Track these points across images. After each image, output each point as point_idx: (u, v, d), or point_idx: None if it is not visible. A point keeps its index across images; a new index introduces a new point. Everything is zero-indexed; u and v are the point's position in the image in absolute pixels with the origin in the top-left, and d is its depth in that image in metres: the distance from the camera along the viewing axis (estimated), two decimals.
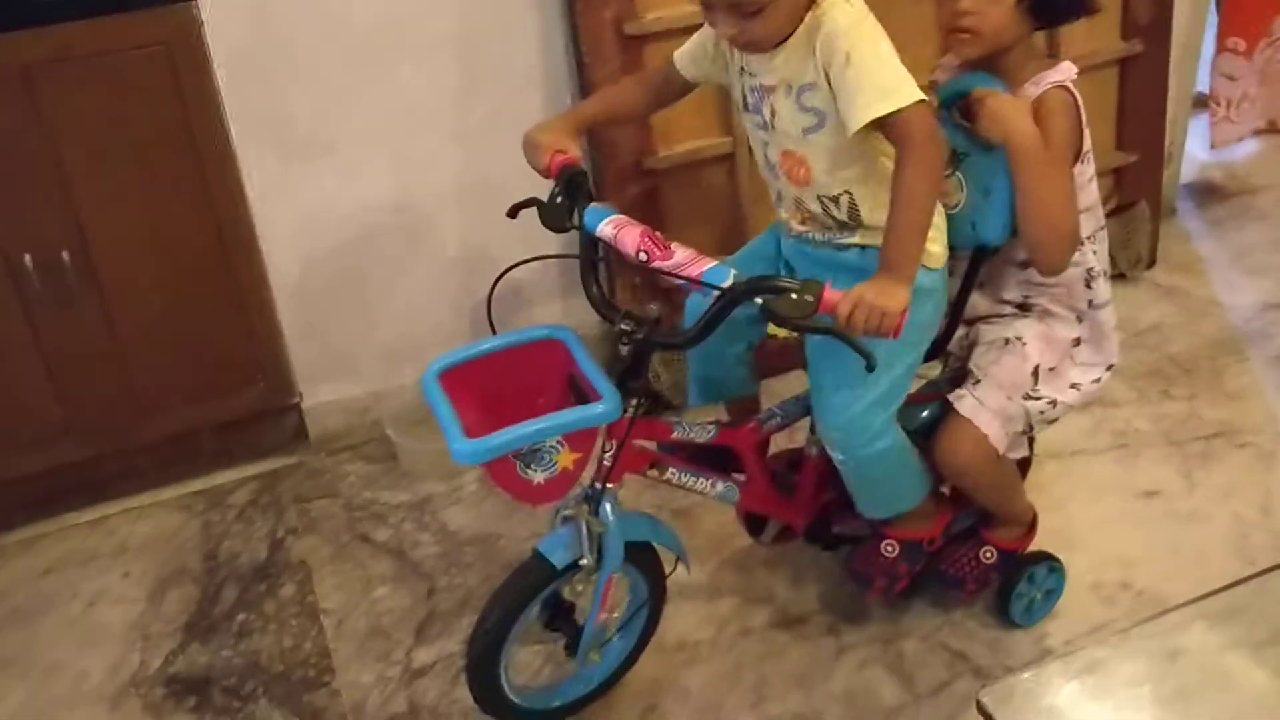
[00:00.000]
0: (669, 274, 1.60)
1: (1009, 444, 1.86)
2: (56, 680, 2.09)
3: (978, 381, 1.84)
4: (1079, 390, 1.88)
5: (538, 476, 1.65)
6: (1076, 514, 2.28)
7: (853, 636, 2.06)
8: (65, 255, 2.23)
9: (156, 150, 2.24)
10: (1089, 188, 1.80)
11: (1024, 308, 1.87)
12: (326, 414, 2.59)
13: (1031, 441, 2.02)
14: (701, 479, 1.88)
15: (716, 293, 1.57)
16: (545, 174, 1.76)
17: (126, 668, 2.11)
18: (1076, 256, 1.79)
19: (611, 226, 1.66)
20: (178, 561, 2.34)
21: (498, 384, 1.73)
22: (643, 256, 1.61)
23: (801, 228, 1.80)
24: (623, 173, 2.43)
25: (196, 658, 2.12)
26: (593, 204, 1.72)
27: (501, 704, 1.86)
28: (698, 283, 1.58)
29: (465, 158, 2.38)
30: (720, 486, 1.90)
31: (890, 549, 1.94)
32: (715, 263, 1.59)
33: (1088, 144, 1.76)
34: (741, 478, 1.93)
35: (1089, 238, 1.82)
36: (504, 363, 1.76)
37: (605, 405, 1.63)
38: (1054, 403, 1.85)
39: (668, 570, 1.90)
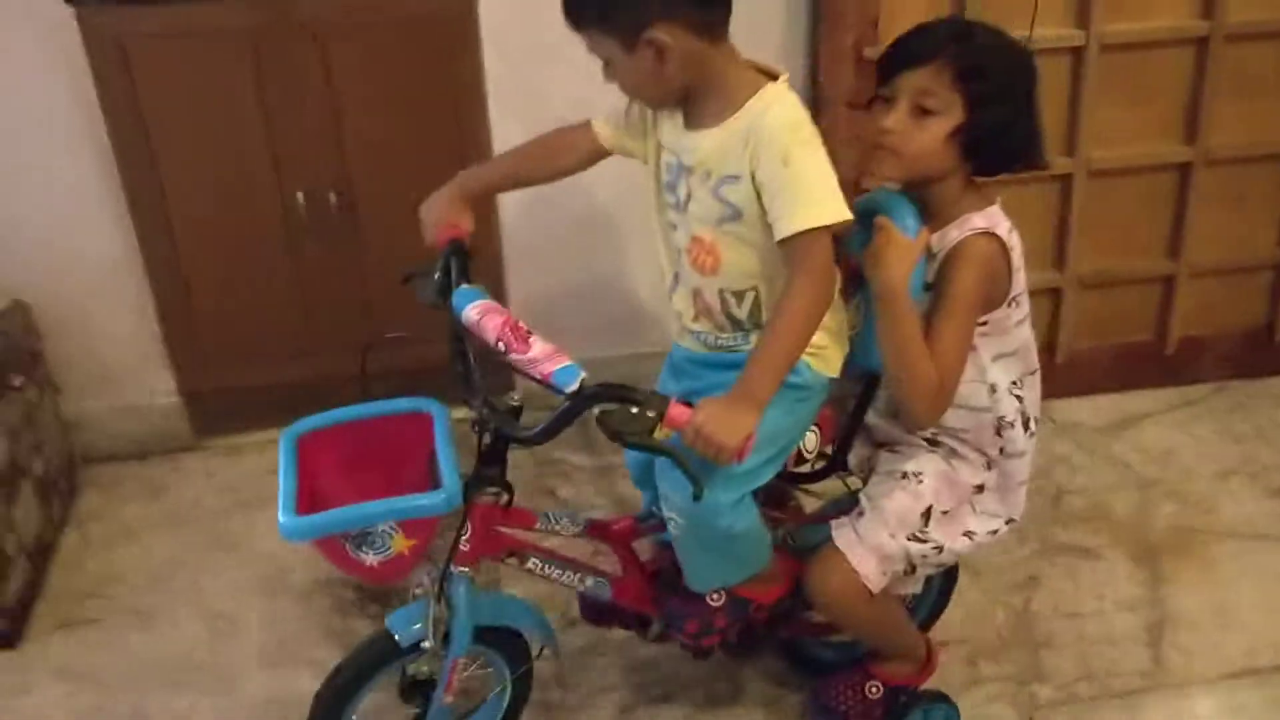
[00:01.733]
0: (520, 370, 1.50)
1: (887, 582, 1.73)
2: (263, 568, 2.36)
3: (862, 514, 1.74)
4: (971, 540, 1.75)
5: (370, 559, 1.61)
6: (1243, 597, 2.25)
7: (990, 669, 2.10)
8: (333, 197, 2.49)
9: (423, 113, 2.46)
10: (1016, 331, 1.69)
11: (933, 443, 1.75)
12: None
13: (955, 570, 1.90)
14: (568, 571, 1.78)
15: (562, 396, 1.48)
16: (433, 247, 1.72)
17: (325, 568, 2.30)
18: (988, 402, 1.69)
19: (476, 312, 1.57)
20: None
21: (369, 450, 1.72)
22: (501, 347, 1.52)
23: (694, 325, 1.69)
24: None
25: None
26: (463, 285, 1.64)
27: None
28: (545, 383, 1.48)
29: None
30: (590, 581, 1.79)
31: (716, 598, 1.79)
32: (569, 363, 1.48)
33: (1019, 287, 1.65)
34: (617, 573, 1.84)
35: (1012, 384, 1.70)
36: (375, 430, 1.76)
37: (438, 497, 1.60)
38: (940, 548, 1.73)
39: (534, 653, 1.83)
